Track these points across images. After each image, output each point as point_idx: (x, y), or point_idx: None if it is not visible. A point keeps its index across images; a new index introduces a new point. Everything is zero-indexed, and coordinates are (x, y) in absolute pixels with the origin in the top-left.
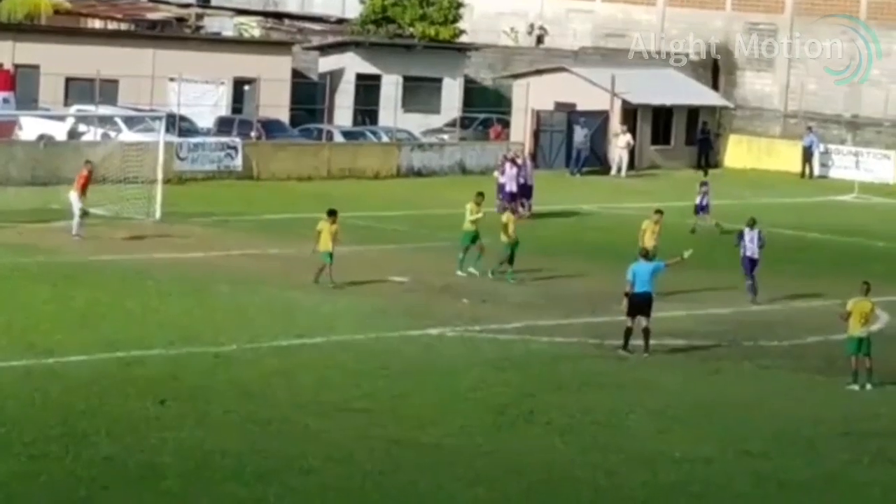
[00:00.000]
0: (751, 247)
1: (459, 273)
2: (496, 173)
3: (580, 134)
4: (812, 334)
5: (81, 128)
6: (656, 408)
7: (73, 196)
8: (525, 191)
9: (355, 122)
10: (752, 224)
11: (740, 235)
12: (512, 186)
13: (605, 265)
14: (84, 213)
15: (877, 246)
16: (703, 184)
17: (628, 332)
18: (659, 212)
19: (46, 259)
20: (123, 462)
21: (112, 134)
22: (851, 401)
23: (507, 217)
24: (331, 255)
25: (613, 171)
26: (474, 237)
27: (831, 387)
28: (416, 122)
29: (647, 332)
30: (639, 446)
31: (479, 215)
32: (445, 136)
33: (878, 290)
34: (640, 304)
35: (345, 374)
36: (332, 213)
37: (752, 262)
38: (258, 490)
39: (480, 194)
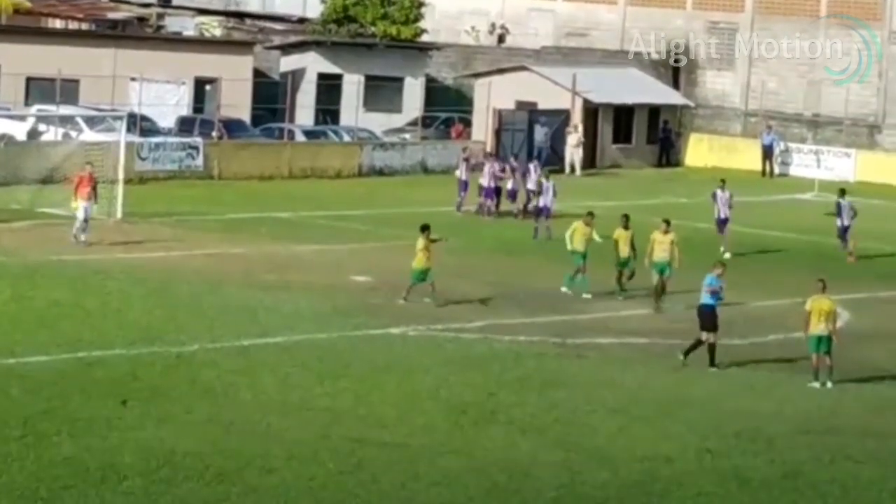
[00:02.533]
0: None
1: (564, 289)
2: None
3: (541, 133)
4: (773, 332)
5: (41, 127)
6: (618, 406)
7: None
8: (464, 187)
9: (317, 122)
10: (722, 185)
11: (714, 195)
12: (490, 183)
13: (566, 265)
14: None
15: (837, 243)
16: (505, 169)
17: (697, 343)
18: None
19: (6, 259)
20: (85, 462)
21: (73, 134)
22: (812, 399)
23: (617, 233)
24: (425, 272)
25: (567, 171)
26: (583, 257)
27: (792, 385)
28: (378, 122)
29: (711, 347)
30: (600, 445)
31: (592, 235)
32: (407, 136)
33: (837, 289)
34: (702, 317)
35: (307, 374)
36: (425, 229)
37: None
38: (220, 490)
39: (590, 213)
